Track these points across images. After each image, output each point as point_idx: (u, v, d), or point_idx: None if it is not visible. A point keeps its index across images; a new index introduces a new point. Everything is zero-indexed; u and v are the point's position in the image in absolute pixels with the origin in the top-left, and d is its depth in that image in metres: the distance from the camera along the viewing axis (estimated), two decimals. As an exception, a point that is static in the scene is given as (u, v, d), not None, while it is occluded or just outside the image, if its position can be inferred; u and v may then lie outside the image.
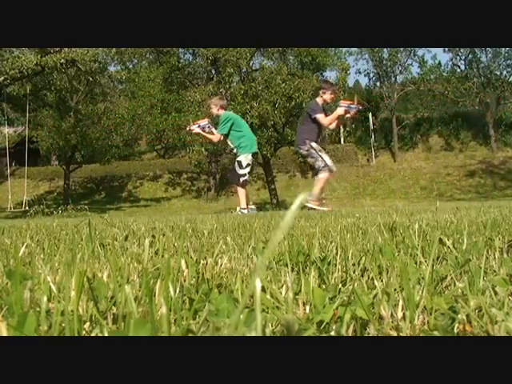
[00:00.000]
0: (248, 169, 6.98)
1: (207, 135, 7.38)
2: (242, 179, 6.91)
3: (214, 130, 7.28)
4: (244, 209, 6.81)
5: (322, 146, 6.92)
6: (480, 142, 34.74)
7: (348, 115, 6.75)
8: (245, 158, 6.99)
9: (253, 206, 7.05)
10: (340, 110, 6.67)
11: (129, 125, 28.00)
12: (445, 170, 28.80)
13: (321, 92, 6.76)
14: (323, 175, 6.56)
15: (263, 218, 3.48)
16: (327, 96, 6.74)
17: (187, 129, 8.01)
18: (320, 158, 6.58)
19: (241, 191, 6.91)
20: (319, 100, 6.79)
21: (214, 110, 7.17)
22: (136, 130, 29.20)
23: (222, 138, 7.20)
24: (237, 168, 6.99)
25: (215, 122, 7.56)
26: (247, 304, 0.68)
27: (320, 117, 6.66)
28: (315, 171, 6.71)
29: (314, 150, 6.61)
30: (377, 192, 26.75)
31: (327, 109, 7.06)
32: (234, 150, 7.11)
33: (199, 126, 7.31)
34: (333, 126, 6.91)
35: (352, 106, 6.70)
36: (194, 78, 25.80)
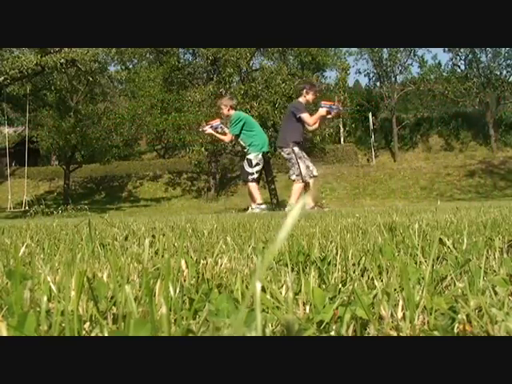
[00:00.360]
0: (257, 168, 7.07)
1: (219, 136, 7.48)
2: (250, 177, 7.02)
3: (226, 130, 7.36)
4: (260, 204, 6.90)
5: (305, 149, 7.21)
6: (480, 142, 34.71)
7: (329, 116, 6.92)
8: (255, 157, 7.08)
9: (256, 206, 7.09)
10: (322, 111, 6.83)
11: (129, 125, 27.97)
12: (445, 170, 28.76)
13: (304, 92, 6.91)
14: (297, 186, 6.77)
15: (263, 218, 3.48)
16: (310, 96, 6.90)
17: (200, 129, 8.12)
18: (296, 166, 6.73)
19: (253, 186, 7.00)
20: (302, 100, 6.92)
21: (225, 111, 7.25)
22: (136, 130, 29.18)
23: (233, 138, 7.30)
24: (246, 166, 7.09)
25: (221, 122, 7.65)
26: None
27: (305, 116, 6.78)
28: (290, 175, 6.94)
29: (295, 155, 6.76)
30: (377, 192, 26.72)
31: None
32: (245, 150, 7.19)
33: (212, 127, 7.38)
34: (315, 126, 7.04)
35: (333, 106, 6.88)
36: (193, 78, 25.78)
